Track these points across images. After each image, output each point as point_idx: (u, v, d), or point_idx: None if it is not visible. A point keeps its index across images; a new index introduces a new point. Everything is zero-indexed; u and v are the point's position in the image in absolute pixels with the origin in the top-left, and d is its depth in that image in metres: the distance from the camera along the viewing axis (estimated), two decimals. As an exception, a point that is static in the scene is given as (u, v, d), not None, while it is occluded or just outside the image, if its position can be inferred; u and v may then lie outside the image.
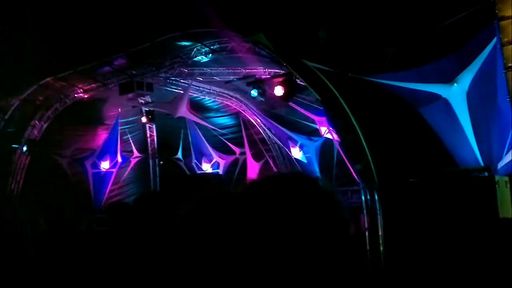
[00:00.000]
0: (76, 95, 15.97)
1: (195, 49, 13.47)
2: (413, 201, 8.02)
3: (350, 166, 10.91)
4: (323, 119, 13.74)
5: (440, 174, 8.59)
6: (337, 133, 10.81)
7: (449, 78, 9.23)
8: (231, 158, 19.36)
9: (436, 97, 9.48)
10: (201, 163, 19.47)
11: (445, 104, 9.37)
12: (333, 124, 10.67)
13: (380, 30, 10.94)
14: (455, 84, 9.19)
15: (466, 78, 9.01)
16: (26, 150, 15.85)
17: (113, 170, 18.22)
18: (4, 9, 15.88)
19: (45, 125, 16.19)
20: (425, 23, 9.34)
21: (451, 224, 7.56)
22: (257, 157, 18.94)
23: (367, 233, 9.18)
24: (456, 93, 9.19)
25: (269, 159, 18.88)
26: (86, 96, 16.02)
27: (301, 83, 12.43)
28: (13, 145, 15.95)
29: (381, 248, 8.89)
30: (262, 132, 18.79)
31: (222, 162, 19.37)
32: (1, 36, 15.87)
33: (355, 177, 10.19)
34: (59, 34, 15.46)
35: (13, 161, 15.85)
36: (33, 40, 15.61)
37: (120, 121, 17.76)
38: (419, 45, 9.66)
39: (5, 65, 15.51)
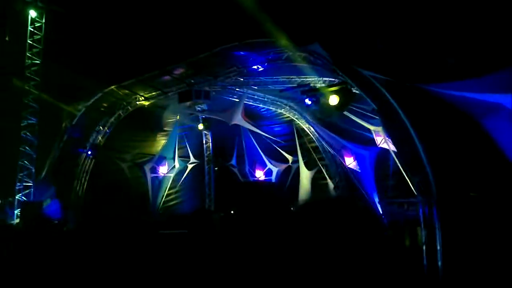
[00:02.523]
0: (137, 103, 16.69)
1: (251, 58, 13.71)
2: (473, 216, 7.74)
3: (407, 178, 10.66)
4: (379, 128, 13.52)
5: (503, 189, 8.23)
6: (394, 143, 10.61)
7: (512, 88, 8.84)
8: (284, 165, 19.43)
9: (500, 108, 9.10)
10: (254, 170, 19.70)
11: (509, 115, 8.98)
12: (390, 134, 10.49)
13: (439, 38, 10.67)
14: (519, 93, 8.78)
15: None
16: (91, 154, 16.71)
17: (171, 175, 18.85)
18: (72, 19, 16.92)
19: (108, 131, 17.04)
20: (485, 33, 9.03)
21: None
22: (310, 165, 18.90)
23: (424, 248, 8.93)
24: (521, 104, 8.78)
25: (322, 167, 18.77)
26: (147, 104, 16.70)
27: (356, 92, 12.33)
28: (79, 149, 16.88)
29: (439, 264, 8.62)
30: (315, 141, 18.73)
31: (275, 170, 19.49)
32: (67, 45, 16.94)
33: (413, 189, 9.95)
34: (123, 45, 16.25)
35: (79, 165, 16.77)
36: (98, 50, 16.52)
37: (178, 127, 18.37)
38: (480, 54, 9.34)
39: (72, 74, 16.52)
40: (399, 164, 11.94)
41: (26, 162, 17.38)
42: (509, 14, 8.70)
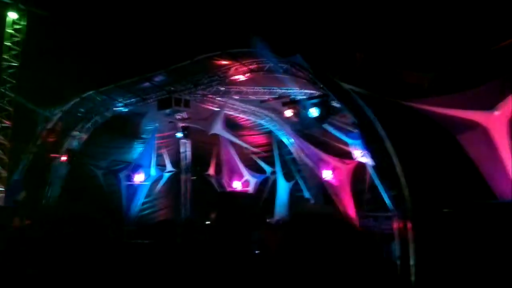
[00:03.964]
0: (115, 109, 16.45)
1: (233, 68, 13.69)
2: (447, 232, 7.79)
3: (383, 192, 10.71)
4: (357, 142, 13.62)
5: (476, 206, 8.32)
6: (372, 157, 10.68)
7: (489, 105, 9.00)
8: (262, 176, 19.37)
9: (475, 125, 9.24)
10: (232, 181, 19.56)
11: (484, 132, 9.12)
12: (368, 147, 10.55)
13: (419, 55, 10.85)
14: (495, 111, 8.93)
15: (508, 106, 8.74)
16: (65, 160, 16.36)
17: (147, 183, 18.56)
18: (52, 24, 16.69)
19: (85, 136, 16.72)
20: (465, 50, 9.21)
21: (486, 258, 7.29)
22: (288, 177, 18.88)
23: (398, 262, 8.95)
24: (496, 121, 8.93)
25: (299, 179, 18.77)
26: (125, 110, 16.48)
27: (336, 105, 12.42)
28: (53, 154, 16.50)
29: (412, 279, 8.64)
30: (294, 152, 18.75)
31: (253, 181, 19.40)
32: (46, 49, 16.67)
33: (388, 203, 9.99)
34: (102, 50, 16.09)
35: (52, 170, 16.38)
36: (77, 54, 16.31)
37: (156, 135, 18.15)
38: (458, 71, 9.51)
39: (50, 78, 16.23)
40: (375, 178, 12.01)
41: (-2, 166, 16.93)
42: (487, 32, 8.90)
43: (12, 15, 17.18)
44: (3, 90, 16.84)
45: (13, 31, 17.25)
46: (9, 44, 17.16)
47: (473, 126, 9.24)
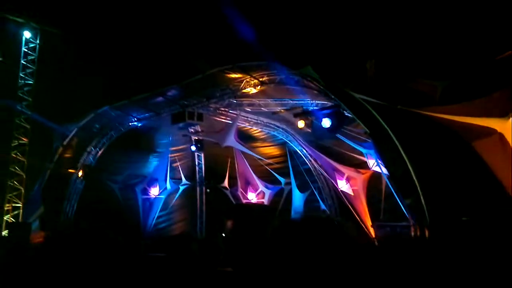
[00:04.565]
0: (130, 124, 16.66)
1: (244, 81, 13.79)
2: (465, 240, 7.70)
3: (399, 201, 10.64)
4: (371, 151, 13.57)
5: (494, 213, 8.22)
6: (386, 166, 10.62)
7: (503, 112, 8.93)
8: (276, 188, 19.35)
9: (491, 132, 9.17)
10: (246, 192, 19.58)
11: (500, 139, 9.04)
12: (382, 157, 10.51)
13: (430, 63, 10.83)
14: (511, 118, 8.86)
15: (522, 113, 8.67)
16: (81, 175, 16.57)
17: (162, 196, 18.70)
18: (65, 41, 17.03)
19: (100, 152, 16.94)
20: (476, 58, 9.17)
21: (505, 266, 7.17)
22: (302, 188, 18.83)
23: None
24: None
25: (314, 190, 18.70)
26: (139, 125, 16.68)
27: (348, 115, 12.40)
28: (69, 170, 16.74)
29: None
30: (308, 163, 18.72)
31: (267, 192, 19.39)
32: (61, 67, 17.01)
33: (405, 212, 9.92)
34: (116, 66, 16.36)
35: (69, 185, 16.60)
36: (91, 71, 16.60)
37: (170, 149, 18.32)
38: (470, 79, 9.47)
39: (65, 94, 16.54)
40: (391, 187, 11.93)
41: (15, 182, 17.20)
42: (498, 40, 8.87)
43: (26, 34, 17.59)
44: (19, 108, 17.18)
45: (27, 50, 17.64)
46: (24, 62, 17.55)
47: (488, 133, 9.18)
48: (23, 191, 17.27)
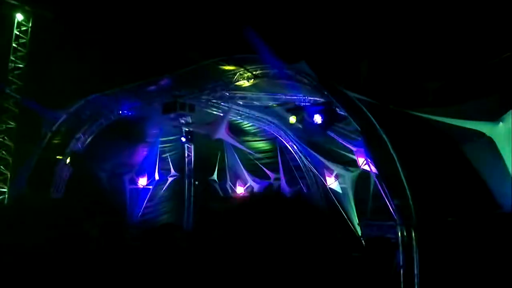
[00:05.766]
0: (120, 112, 16.50)
1: (238, 73, 13.73)
2: (451, 241, 7.76)
3: (387, 200, 10.67)
4: (361, 149, 13.59)
5: (481, 215, 8.29)
6: (376, 165, 10.65)
7: (494, 116, 8.99)
8: (265, 183, 19.36)
9: (480, 135, 9.23)
10: (235, 186, 19.57)
11: (489, 143, 9.10)
12: (372, 155, 10.53)
13: (423, 64, 10.86)
14: (500, 123, 8.92)
15: (512, 118, 8.73)
16: (69, 162, 16.40)
17: (150, 187, 18.60)
18: (58, 26, 16.81)
19: (89, 139, 16.78)
20: (469, 61, 9.22)
21: (489, 267, 7.26)
22: (291, 183, 18.86)
23: (401, 271, 8.91)
24: (501, 132, 8.92)
25: (303, 186, 18.75)
26: (130, 114, 16.53)
27: (340, 112, 12.41)
28: (57, 156, 16.56)
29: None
30: (297, 159, 18.74)
31: (256, 186, 19.39)
32: (52, 51, 16.78)
33: (392, 212, 9.96)
34: (108, 53, 16.17)
35: (56, 171, 16.43)
36: (82, 57, 16.39)
37: (160, 139, 18.21)
38: (462, 82, 9.51)
39: (55, 80, 16.32)
40: (379, 186, 11.97)
41: (2, 167, 16.97)
42: (492, 42, 8.92)
43: (18, 17, 17.30)
44: (8, 91, 16.92)
45: (19, 33, 17.36)
46: (15, 45, 17.27)
47: (477, 136, 9.24)
48: (9, 175, 17.04)
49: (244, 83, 14.04)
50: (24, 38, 17.43)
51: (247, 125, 18.42)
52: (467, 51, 9.43)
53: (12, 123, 17.09)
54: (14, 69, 17.24)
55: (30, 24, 17.50)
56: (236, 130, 17.64)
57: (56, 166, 16.63)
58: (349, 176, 16.15)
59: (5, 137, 17.00)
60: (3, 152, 16.90)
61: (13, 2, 16.95)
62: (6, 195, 16.89)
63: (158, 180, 18.79)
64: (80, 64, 16.24)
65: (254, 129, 18.81)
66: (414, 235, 8.62)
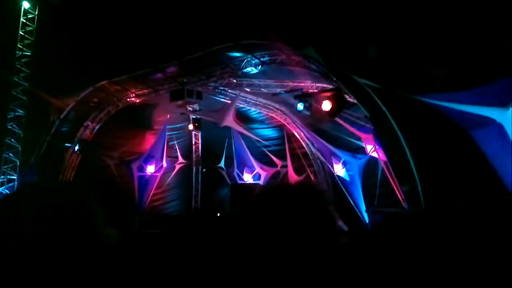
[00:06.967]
0: (128, 99, 16.53)
1: (245, 60, 13.66)
2: (460, 227, 7.73)
3: (395, 187, 10.66)
4: (369, 136, 13.54)
5: (490, 201, 8.23)
6: (385, 151, 10.62)
7: (504, 102, 8.89)
8: (272, 170, 19.37)
9: (490, 121, 9.15)
10: (242, 173, 19.60)
11: (499, 129, 9.02)
12: (381, 142, 10.50)
13: (432, 50, 10.73)
14: (511, 108, 8.83)
15: (523, 103, 8.64)
16: (77, 149, 16.49)
17: (158, 174, 18.69)
18: (66, 15, 16.76)
19: (97, 127, 16.84)
20: (478, 46, 9.09)
21: (500, 254, 7.23)
22: (298, 171, 18.86)
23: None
24: (511, 118, 8.83)
25: (310, 173, 18.75)
26: (137, 101, 16.55)
27: (349, 99, 12.34)
28: (66, 144, 16.65)
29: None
30: (305, 146, 18.72)
31: (263, 174, 19.42)
32: (59, 39, 16.76)
33: (400, 198, 9.96)
34: (116, 40, 16.12)
35: (65, 159, 16.54)
36: (91, 44, 16.36)
37: (167, 127, 18.24)
38: (472, 67, 9.39)
39: (63, 67, 16.33)
40: (387, 173, 11.94)
41: (11, 154, 17.10)
42: (499, 28, 8.78)
43: (25, 4, 17.28)
44: (16, 79, 16.98)
45: (25, 21, 17.36)
46: (22, 33, 17.28)
47: (487, 122, 9.16)
48: (18, 163, 17.18)
49: (252, 70, 13.98)
50: (31, 26, 17.43)
51: (254, 112, 18.39)
52: (477, 36, 9.29)
53: (20, 111, 17.18)
54: (22, 57, 17.27)
55: (37, 12, 17.48)
56: (243, 118, 17.62)
57: (65, 154, 16.73)
58: (357, 163, 16.11)
59: (14, 125, 17.11)
60: (12, 140, 17.01)
61: (19, -11, 16.93)
62: (16, 183, 17.06)
63: (166, 167, 18.86)
64: (87, 52, 16.23)
65: (262, 117, 18.78)
66: (423, 221, 8.61)
